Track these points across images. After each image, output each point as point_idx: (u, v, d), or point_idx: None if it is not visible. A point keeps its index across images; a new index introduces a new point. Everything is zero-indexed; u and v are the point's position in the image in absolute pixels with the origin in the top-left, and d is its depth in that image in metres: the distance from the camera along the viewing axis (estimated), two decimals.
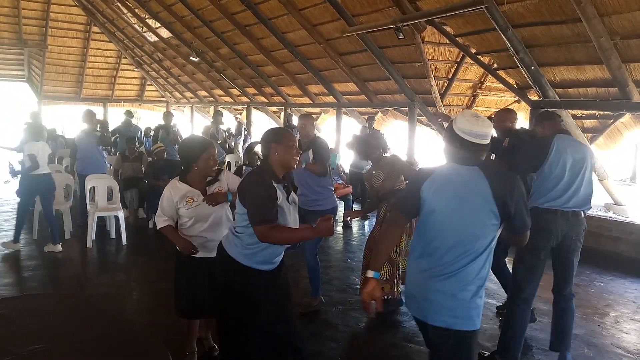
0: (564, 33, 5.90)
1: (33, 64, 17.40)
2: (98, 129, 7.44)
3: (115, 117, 15.77)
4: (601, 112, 6.80)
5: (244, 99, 14.70)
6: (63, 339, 2.36)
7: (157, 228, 3.32)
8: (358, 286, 5.05)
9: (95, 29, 16.85)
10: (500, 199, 2.23)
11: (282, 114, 13.62)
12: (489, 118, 5.04)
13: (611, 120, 6.81)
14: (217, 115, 11.09)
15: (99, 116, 8.51)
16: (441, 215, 2.31)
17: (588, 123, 7.12)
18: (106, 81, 18.73)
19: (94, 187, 6.91)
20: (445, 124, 3.57)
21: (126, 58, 18.16)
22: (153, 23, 14.01)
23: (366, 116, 10.46)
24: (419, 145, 9.03)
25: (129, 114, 11.20)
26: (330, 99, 11.26)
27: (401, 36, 7.27)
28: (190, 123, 18.83)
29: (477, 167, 2.32)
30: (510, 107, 5.61)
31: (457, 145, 2.32)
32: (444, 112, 4.59)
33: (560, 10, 5.62)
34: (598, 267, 6.06)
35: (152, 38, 15.11)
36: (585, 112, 7.01)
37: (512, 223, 2.30)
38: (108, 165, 8.68)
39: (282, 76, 11.72)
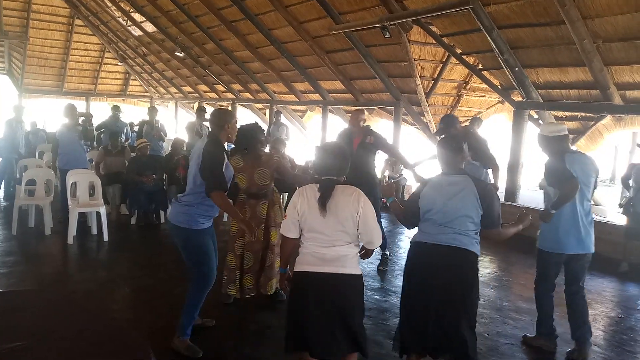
0: (548, 35, 5.98)
1: (14, 56, 17.10)
2: (80, 123, 7.33)
3: (98, 111, 15.53)
4: (583, 114, 6.92)
5: (229, 95, 14.63)
6: (44, 335, 2.33)
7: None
8: None
9: (78, 21, 16.61)
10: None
11: (267, 111, 13.58)
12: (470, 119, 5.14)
13: (592, 122, 6.93)
14: (201, 111, 11.01)
15: (82, 110, 8.40)
16: (583, 185, 3.56)
17: (570, 124, 7.23)
18: (89, 75, 18.50)
19: (75, 183, 6.82)
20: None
21: (110, 52, 17.94)
22: (137, 17, 13.85)
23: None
24: (404, 144, 9.07)
25: (117, 108, 11.06)
26: (316, 96, 11.27)
27: (388, 35, 7.31)
28: (175, 119, 18.68)
29: (578, 151, 3.83)
30: (360, 108, 6.16)
31: (557, 142, 3.58)
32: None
33: (544, 12, 5.70)
34: None
35: (137, 32, 14.94)
36: (567, 113, 7.13)
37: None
38: (90, 160, 8.55)
39: (268, 73, 11.68)
